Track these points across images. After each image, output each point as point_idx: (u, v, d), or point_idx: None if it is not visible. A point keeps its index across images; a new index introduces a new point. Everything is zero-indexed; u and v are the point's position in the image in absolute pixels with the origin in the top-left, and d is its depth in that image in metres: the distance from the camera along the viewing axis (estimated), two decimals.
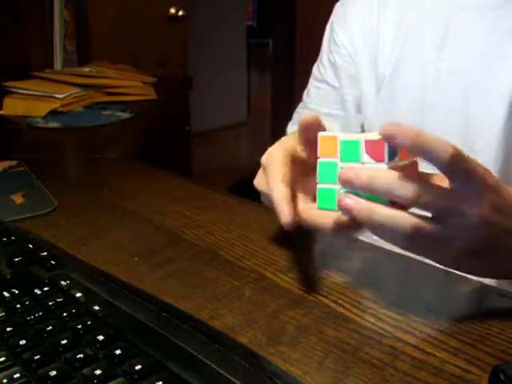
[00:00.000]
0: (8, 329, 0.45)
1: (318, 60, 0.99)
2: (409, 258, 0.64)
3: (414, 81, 0.82)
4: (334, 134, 0.53)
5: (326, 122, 0.59)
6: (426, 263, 0.72)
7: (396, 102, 0.84)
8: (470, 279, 0.65)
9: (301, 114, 1.00)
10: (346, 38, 0.92)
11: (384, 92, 0.85)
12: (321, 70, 0.97)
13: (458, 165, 0.48)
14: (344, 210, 0.51)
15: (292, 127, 1.00)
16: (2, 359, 0.42)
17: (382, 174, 0.50)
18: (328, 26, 0.97)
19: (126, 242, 0.69)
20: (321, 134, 0.54)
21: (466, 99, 0.77)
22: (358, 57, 0.90)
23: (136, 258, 0.64)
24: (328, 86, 0.96)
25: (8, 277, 0.55)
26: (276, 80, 3.70)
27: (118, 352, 0.42)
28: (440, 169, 0.49)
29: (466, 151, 0.77)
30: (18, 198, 0.81)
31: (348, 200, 0.51)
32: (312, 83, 0.99)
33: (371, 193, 0.50)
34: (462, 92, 0.77)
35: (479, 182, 0.49)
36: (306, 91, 1.01)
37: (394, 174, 0.49)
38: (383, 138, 0.49)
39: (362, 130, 0.92)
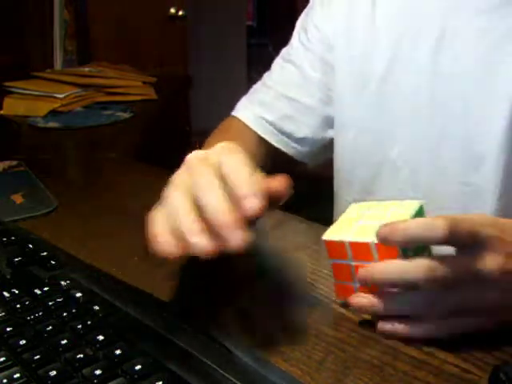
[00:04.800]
0: (8, 329, 0.45)
1: (289, 42, 0.95)
2: None
3: (409, 83, 0.79)
4: (340, 238, 0.52)
5: None
6: None
7: (387, 102, 0.81)
8: None
9: (259, 92, 0.94)
10: (326, 22, 0.88)
11: (373, 90, 0.82)
12: (289, 50, 0.94)
13: (457, 233, 0.46)
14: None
15: (245, 103, 0.95)
16: (2, 359, 0.42)
17: (391, 263, 0.49)
18: (306, 9, 0.93)
19: (126, 242, 0.69)
20: (325, 238, 0.52)
21: (464, 104, 0.75)
22: (339, 50, 0.86)
23: (136, 258, 0.64)
24: (294, 66, 0.91)
25: (8, 277, 0.55)
26: None
27: (117, 352, 0.42)
28: (442, 244, 0.47)
29: (467, 158, 0.75)
30: (17, 198, 0.81)
31: (359, 299, 0.51)
32: (277, 63, 0.95)
33: (389, 286, 0.50)
34: (459, 96, 0.75)
35: (484, 237, 0.47)
36: (268, 72, 0.96)
37: (402, 260, 0.48)
38: (380, 241, 0.48)
39: (328, 125, 0.88)
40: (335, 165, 0.91)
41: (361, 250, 0.50)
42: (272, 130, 0.91)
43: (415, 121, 0.79)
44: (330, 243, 0.52)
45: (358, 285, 0.51)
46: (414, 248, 0.49)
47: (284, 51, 0.95)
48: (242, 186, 0.44)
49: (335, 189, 0.92)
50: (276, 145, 0.92)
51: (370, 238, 0.49)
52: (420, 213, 0.52)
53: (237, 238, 0.42)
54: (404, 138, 0.80)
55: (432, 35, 0.77)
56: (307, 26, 0.91)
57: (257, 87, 0.96)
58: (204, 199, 0.44)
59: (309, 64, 0.90)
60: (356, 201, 0.86)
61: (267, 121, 0.91)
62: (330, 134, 0.90)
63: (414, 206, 0.52)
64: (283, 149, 0.92)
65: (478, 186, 0.75)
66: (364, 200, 0.85)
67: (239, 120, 0.93)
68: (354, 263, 0.51)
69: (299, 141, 0.91)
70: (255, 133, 0.92)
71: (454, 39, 0.76)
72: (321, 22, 0.89)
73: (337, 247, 0.51)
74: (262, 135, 0.91)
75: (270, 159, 0.92)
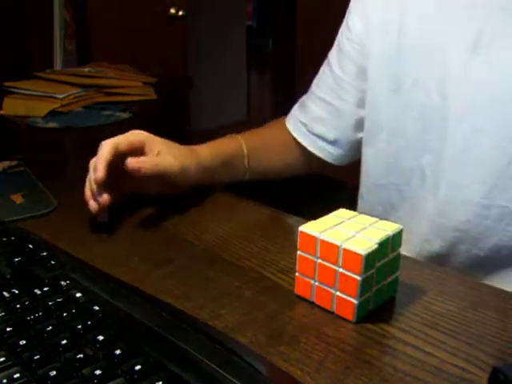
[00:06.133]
0: (8, 329, 0.45)
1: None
2: (407, 258, 0.64)
3: (438, 87, 0.75)
4: (314, 233, 0.53)
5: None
6: (423, 262, 0.72)
7: (415, 106, 0.78)
8: (468, 278, 0.65)
9: (306, 94, 0.96)
10: (361, 26, 0.86)
11: (405, 93, 0.79)
12: (330, 52, 0.93)
13: None
14: None
15: (296, 105, 0.98)
16: (2, 359, 0.42)
17: None
18: (347, 11, 0.91)
19: (126, 242, 0.69)
20: (301, 229, 0.54)
21: (495, 117, 0.71)
22: (371, 49, 0.83)
23: (136, 258, 0.64)
24: (329, 69, 0.91)
25: (8, 277, 0.55)
26: (276, 80, 3.69)
27: (117, 352, 0.42)
28: None
29: (493, 176, 0.71)
30: (17, 198, 0.81)
31: None
32: (323, 64, 0.95)
33: None
34: (490, 108, 0.71)
35: None
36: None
37: None
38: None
39: (360, 127, 0.88)
40: (365, 169, 0.90)
41: (329, 250, 0.52)
42: (305, 132, 0.93)
43: (443, 130, 0.76)
44: (303, 235, 0.54)
45: (317, 283, 0.54)
46: (376, 255, 0.51)
47: (329, 54, 0.95)
48: (96, 164, 0.71)
49: (361, 191, 0.91)
50: (306, 146, 0.93)
51: (341, 242, 0.51)
52: (398, 236, 0.54)
53: (101, 200, 0.70)
54: (433, 146, 0.77)
55: (468, 37, 0.72)
56: (344, 29, 0.90)
57: (311, 88, 0.97)
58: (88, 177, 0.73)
59: (342, 66, 0.89)
60: (384, 205, 0.86)
61: (301, 122, 0.93)
62: (360, 136, 0.89)
63: (393, 227, 0.54)
64: (314, 151, 0.93)
65: (504, 208, 0.72)
66: (392, 206, 0.85)
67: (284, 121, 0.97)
68: (319, 260, 0.53)
69: (331, 143, 0.92)
70: (292, 135, 0.95)
71: (490, 44, 0.71)
72: (355, 22, 0.87)
73: (308, 241, 0.53)
74: (296, 137, 0.94)
75: (306, 161, 0.96)
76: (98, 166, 0.70)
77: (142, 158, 0.73)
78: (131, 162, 0.71)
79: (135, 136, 0.77)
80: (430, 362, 0.47)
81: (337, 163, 0.94)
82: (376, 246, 0.51)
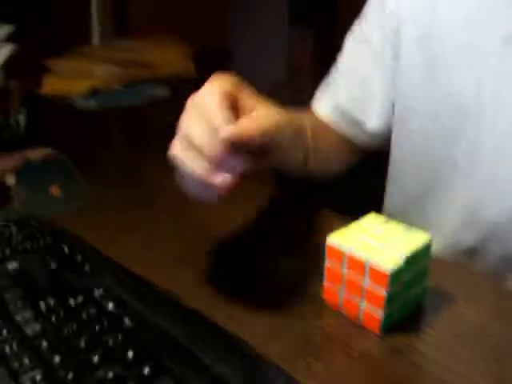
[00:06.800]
0: (44, 343, 0.47)
1: (360, 20, 0.88)
2: (435, 259, 0.63)
3: (473, 75, 0.73)
4: (341, 247, 0.53)
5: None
6: (452, 262, 0.71)
7: (450, 92, 0.75)
8: (502, 284, 0.64)
9: (333, 80, 0.91)
10: (396, 6, 0.81)
11: (439, 77, 0.76)
12: (364, 29, 0.87)
13: None
14: None
15: (320, 92, 0.93)
16: (38, 377, 0.43)
17: None
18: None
19: (159, 241, 0.69)
20: (328, 243, 0.54)
21: None
22: (403, 31, 0.79)
23: (170, 260, 0.64)
24: (370, 50, 0.85)
25: (43, 283, 0.56)
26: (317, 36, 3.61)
27: (146, 371, 0.43)
28: None
29: None
30: (55, 190, 0.81)
31: None
32: (348, 45, 0.89)
33: None
34: None
35: None
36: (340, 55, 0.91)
37: None
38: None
39: (392, 111, 0.85)
40: (397, 153, 0.86)
41: (355, 265, 0.52)
42: (339, 115, 0.89)
43: (479, 118, 0.73)
44: (330, 248, 0.54)
45: (344, 294, 0.54)
46: (403, 270, 0.51)
47: (356, 30, 0.88)
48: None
49: (393, 176, 0.88)
50: (345, 128, 0.89)
51: (368, 256, 0.51)
52: (426, 248, 0.54)
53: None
54: (468, 135, 0.75)
55: (508, 25, 0.69)
56: (374, 10, 0.85)
57: (334, 75, 0.92)
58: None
59: (380, 44, 0.84)
60: (417, 193, 0.82)
61: (337, 105, 0.89)
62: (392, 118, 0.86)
63: (422, 239, 0.54)
64: (349, 131, 0.89)
65: None
66: (425, 194, 0.82)
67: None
68: (345, 273, 0.53)
69: (367, 127, 0.87)
70: (327, 121, 0.90)
71: None
72: (390, 5, 0.82)
73: (336, 254, 0.54)
74: (332, 121, 0.89)
75: (344, 144, 0.90)
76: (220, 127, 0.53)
77: (246, 121, 0.55)
78: (235, 131, 0.53)
79: (226, 85, 0.58)
80: (456, 381, 0.47)
81: (372, 143, 0.90)
82: (403, 263, 0.50)
